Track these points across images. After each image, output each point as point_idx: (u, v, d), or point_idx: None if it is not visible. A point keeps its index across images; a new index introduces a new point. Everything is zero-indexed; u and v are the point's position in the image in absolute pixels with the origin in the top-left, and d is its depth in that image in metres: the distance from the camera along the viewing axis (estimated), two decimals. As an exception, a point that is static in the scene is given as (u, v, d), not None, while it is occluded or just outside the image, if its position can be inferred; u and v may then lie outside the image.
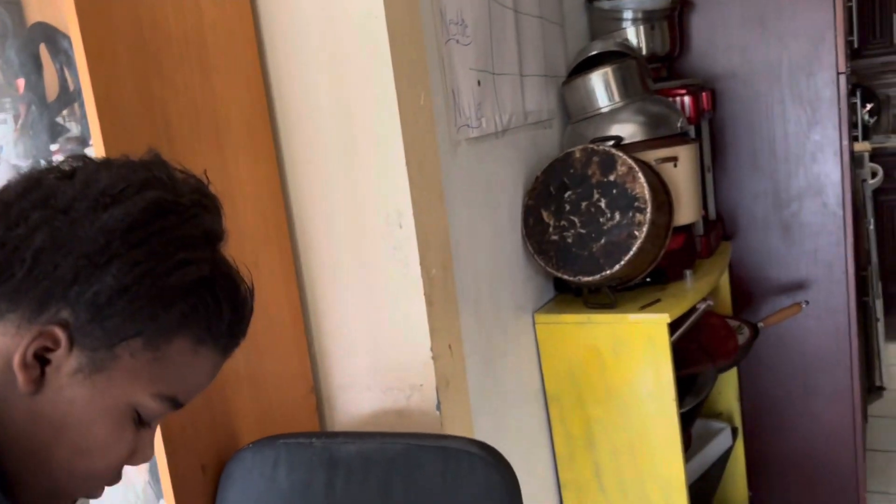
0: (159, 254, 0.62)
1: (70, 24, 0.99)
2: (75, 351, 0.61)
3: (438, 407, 1.33)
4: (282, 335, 1.33)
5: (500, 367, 1.62)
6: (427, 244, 1.32)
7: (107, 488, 0.68)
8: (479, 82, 1.54)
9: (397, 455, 1.08)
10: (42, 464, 0.63)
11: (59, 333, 0.61)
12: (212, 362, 0.68)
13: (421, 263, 1.30)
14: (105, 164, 0.67)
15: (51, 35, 1.30)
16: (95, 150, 1.06)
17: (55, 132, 1.28)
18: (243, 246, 1.28)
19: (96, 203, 0.62)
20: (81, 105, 1.29)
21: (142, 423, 0.66)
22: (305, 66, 1.30)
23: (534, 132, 1.82)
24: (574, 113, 1.90)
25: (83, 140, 1.26)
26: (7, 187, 0.66)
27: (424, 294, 1.31)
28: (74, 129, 1.28)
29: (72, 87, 1.32)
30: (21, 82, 1.27)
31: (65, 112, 1.32)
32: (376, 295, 1.34)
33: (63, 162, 0.68)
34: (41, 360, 0.61)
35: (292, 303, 1.36)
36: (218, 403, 1.19)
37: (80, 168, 0.66)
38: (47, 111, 1.28)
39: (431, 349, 1.32)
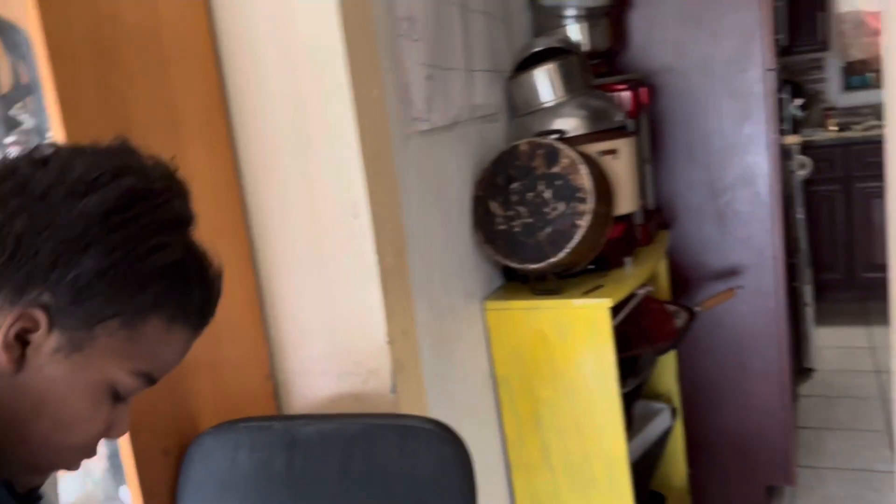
0: (135, 238, 0.65)
1: (30, 20, 1.01)
2: (55, 332, 0.64)
3: (394, 390, 1.38)
4: (239, 322, 1.37)
5: (451, 351, 1.68)
6: (382, 233, 1.36)
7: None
8: (428, 77, 1.59)
9: (356, 434, 1.13)
10: (22, 438, 0.65)
11: (40, 315, 0.63)
12: (184, 340, 0.71)
13: (377, 252, 1.35)
14: (79, 151, 0.69)
15: (5, 29, 1.30)
16: (55, 140, 1.07)
17: (10, 125, 1.29)
18: (199, 235, 1.30)
19: (73, 190, 0.65)
20: (36, 98, 1.30)
21: (118, 398, 0.69)
22: (260, 59, 1.33)
23: (481, 126, 1.88)
24: (519, 107, 1.97)
25: (39, 132, 1.27)
26: None
27: (380, 281, 1.35)
28: (28, 121, 1.28)
29: (25, 81, 1.32)
30: (-27, 75, 1.27)
31: (17, 105, 1.33)
32: (332, 282, 1.39)
33: (34, 150, 0.70)
34: (22, 340, 0.64)
35: (248, 291, 1.40)
36: (178, 389, 1.22)
37: (54, 156, 0.68)
38: (2, 104, 1.29)
39: (387, 334, 1.36)
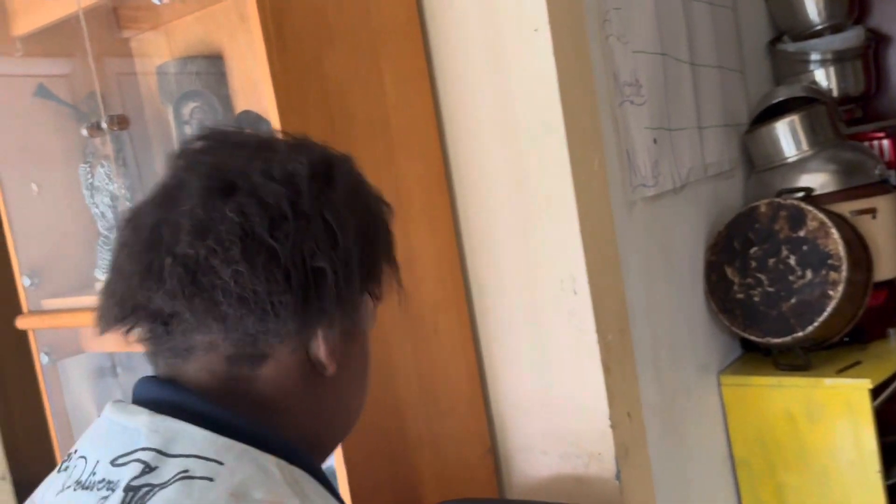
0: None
1: (271, 113, 1.10)
2: (331, 333, 0.70)
3: (618, 476, 1.30)
4: (459, 397, 1.37)
5: (682, 431, 1.56)
6: (603, 309, 1.31)
7: None
8: (654, 140, 1.52)
9: (575, 528, 1.07)
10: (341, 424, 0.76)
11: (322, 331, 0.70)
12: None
13: (597, 329, 1.29)
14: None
15: (255, 121, 1.44)
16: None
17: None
18: (423, 311, 1.33)
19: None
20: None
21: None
22: (481, 137, 1.35)
23: (714, 184, 1.76)
24: (758, 162, 1.82)
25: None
26: None
27: (601, 360, 1.30)
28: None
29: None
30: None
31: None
32: (551, 359, 1.35)
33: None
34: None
35: (469, 366, 1.40)
36: (400, 462, 1.24)
37: None
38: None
39: (610, 417, 1.30)
